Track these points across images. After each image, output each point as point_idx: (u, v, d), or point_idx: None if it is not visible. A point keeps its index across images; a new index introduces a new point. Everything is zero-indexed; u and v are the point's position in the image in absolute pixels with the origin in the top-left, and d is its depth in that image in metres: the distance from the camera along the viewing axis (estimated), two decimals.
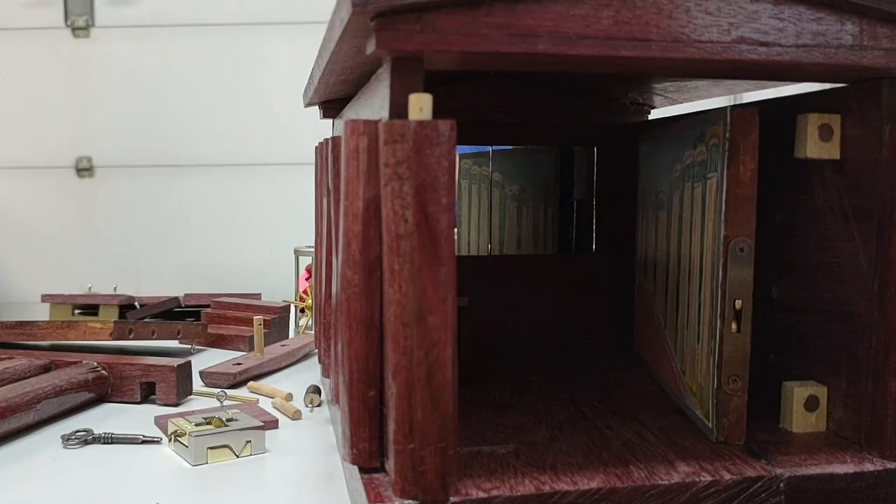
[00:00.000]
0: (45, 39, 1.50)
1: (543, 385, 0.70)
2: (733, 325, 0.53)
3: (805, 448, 0.53)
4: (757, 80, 0.68)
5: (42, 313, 1.22)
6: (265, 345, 1.00)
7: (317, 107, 0.88)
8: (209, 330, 1.06)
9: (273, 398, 0.81)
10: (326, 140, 0.66)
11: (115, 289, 1.40)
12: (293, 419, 0.75)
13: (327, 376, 0.68)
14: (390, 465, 0.45)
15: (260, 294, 1.29)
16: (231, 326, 1.11)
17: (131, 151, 1.54)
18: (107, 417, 0.76)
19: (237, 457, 0.65)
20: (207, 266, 1.55)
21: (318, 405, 0.79)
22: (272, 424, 0.72)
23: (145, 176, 1.55)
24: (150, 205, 1.55)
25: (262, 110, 1.53)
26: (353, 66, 0.57)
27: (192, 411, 0.74)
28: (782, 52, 0.47)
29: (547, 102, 0.87)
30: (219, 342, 1.06)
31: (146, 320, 1.03)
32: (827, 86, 0.56)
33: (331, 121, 0.90)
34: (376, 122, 0.44)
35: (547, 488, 0.46)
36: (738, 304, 0.53)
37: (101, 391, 0.80)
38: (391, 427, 0.44)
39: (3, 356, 0.85)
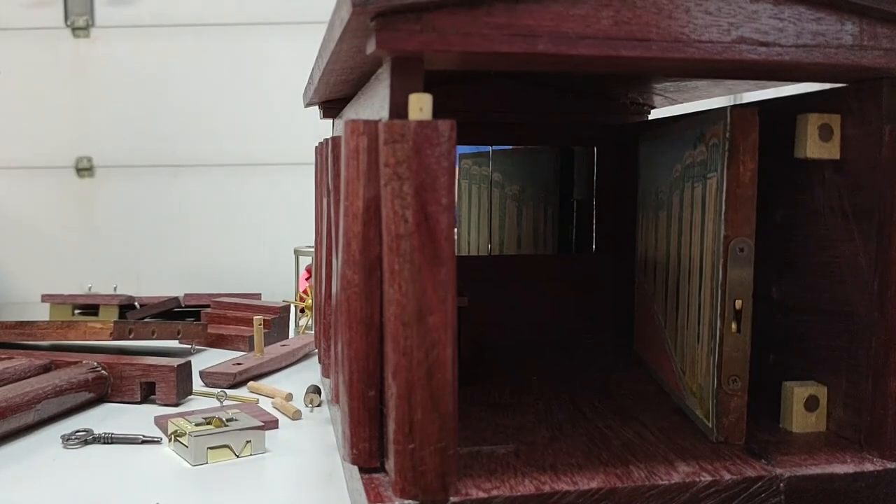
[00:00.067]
0: (45, 39, 1.50)
1: (543, 385, 0.70)
2: (733, 325, 0.53)
3: (805, 448, 0.53)
4: (757, 80, 0.68)
5: (42, 313, 1.22)
6: (265, 345, 1.00)
7: (317, 107, 0.88)
8: (209, 330, 1.06)
9: (273, 398, 0.81)
10: (326, 140, 0.66)
11: (115, 289, 1.40)
12: (293, 419, 0.75)
13: (327, 376, 0.68)
14: (390, 465, 0.45)
15: (260, 294, 1.29)
16: (231, 326, 1.11)
17: (131, 151, 1.54)
18: (107, 417, 0.76)
19: (237, 457, 0.65)
20: (207, 266, 1.55)
21: (318, 405, 0.79)
22: (272, 424, 0.72)
23: (145, 176, 1.55)
24: (150, 205, 1.55)
25: (262, 110, 1.53)
26: (353, 66, 0.57)
27: (192, 411, 0.74)
28: (782, 52, 0.47)
29: (547, 102, 0.87)
30: (219, 342, 1.06)
31: (146, 320, 1.03)
32: (827, 86, 0.56)
33: (331, 121, 0.90)
34: (376, 122, 0.44)
35: (547, 488, 0.46)
36: (738, 304, 0.53)
37: (101, 391, 0.80)
38: (391, 427, 0.44)
39: (3, 356, 0.85)
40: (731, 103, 0.71)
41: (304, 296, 1.19)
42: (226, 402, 0.74)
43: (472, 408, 0.63)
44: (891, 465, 0.50)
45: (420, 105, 0.43)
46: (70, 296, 1.25)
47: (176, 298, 1.23)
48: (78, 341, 0.91)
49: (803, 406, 0.56)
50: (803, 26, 0.47)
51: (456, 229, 0.96)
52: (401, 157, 0.42)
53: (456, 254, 0.45)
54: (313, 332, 1.06)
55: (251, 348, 1.01)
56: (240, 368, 0.89)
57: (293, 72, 1.27)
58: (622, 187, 0.88)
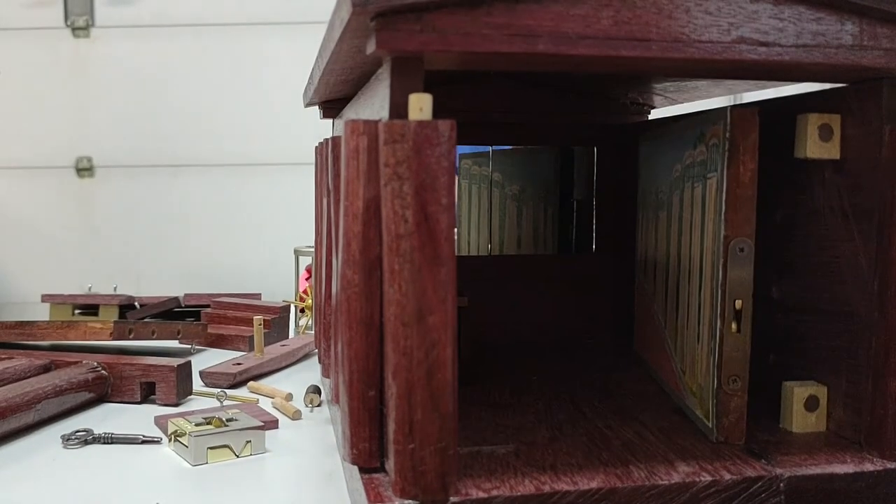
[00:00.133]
0: (45, 39, 1.50)
1: (543, 385, 0.70)
2: (733, 325, 0.53)
3: (805, 448, 0.53)
4: (757, 80, 0.68)
5: (42, 313, 1.22)
6: (265, 345, 1.00)
7: (317, 107, 0.88)
8: (209, 330, 1.06)
9: (273, 398, 0.81)
10: (326, 140, 0.66)
11: (115, 289, 1.40)
12: (293, 419, 0.75)
13: (327, 376, 0.68)
14: (390, 465, 0.45)
15: (260, 294, 1.29)
16: (231, 326, 1.11)
17: (131, 151, 1.54)
18: (107, 417, 0.76)
19: (237, 457, 0.65)
20: (207, 266, 1.55)
21: (318, 405, 0.79)
22: (272, 424, 0.72)
23: (145, 176, 1.55)
24: (150, 205, 1.55)
25: (262, 110, 1.53)
26: (353, 66, 0.57)
27: (192, 411, 0.74)
28: (782, 52, 0.47)
29: (547, 102, 0.87)
30: (219, 342, 1.06)
31: (146, 320, 1.03)
32: (827, 86, 0.56)
33: (331, 121, 0.90)
34: (376, 122, 0.44)
35: (547, 488, 0.46)
36: (738, 304, 0.53)
37: (101, 391, 0.80)
38: (391, 427, 0.44)
39: (3, 356, 0.85)
40: (731, 103, 0.71)
41: (304, 296, 1.19)
42: (226, 402, 0.74)
43: (472, 408, 0.63)
44: (891, 465, 0.50)
45: (420, 105, 0.43)
46: (70, 296, 1.25)
47: (176, 298, 1.23)
48: (78, 341, 0.91)
49: (803, 406, 0.56)
50: (803, 26, 0.47)
51: (456, 229, 0.96)
52: (401, 157, 0.42)
53: (456, 254, 0.45)
54: (313, 332, 1.06)
55: (251, 348, 1.01)
56: (240, 368, 0.89)
57: (293, 72, 1.27)
58: (622, 187, 0.88)
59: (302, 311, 1.21)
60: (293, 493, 0.59)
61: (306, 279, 1.22)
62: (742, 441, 0.54)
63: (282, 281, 1.40)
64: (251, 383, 0.86)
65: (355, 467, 0.49)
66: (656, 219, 0.70)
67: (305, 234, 1.23)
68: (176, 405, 0.80)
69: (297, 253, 1.23)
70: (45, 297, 1.24)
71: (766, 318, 0.62)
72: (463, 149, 1.01)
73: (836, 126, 0.54)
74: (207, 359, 0.97)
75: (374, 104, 0.52)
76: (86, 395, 0.78)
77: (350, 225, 0.45)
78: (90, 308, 1.22)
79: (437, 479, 0.44)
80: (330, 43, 0.52)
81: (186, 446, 0.64)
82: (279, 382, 0.89)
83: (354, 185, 0.45)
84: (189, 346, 1.05)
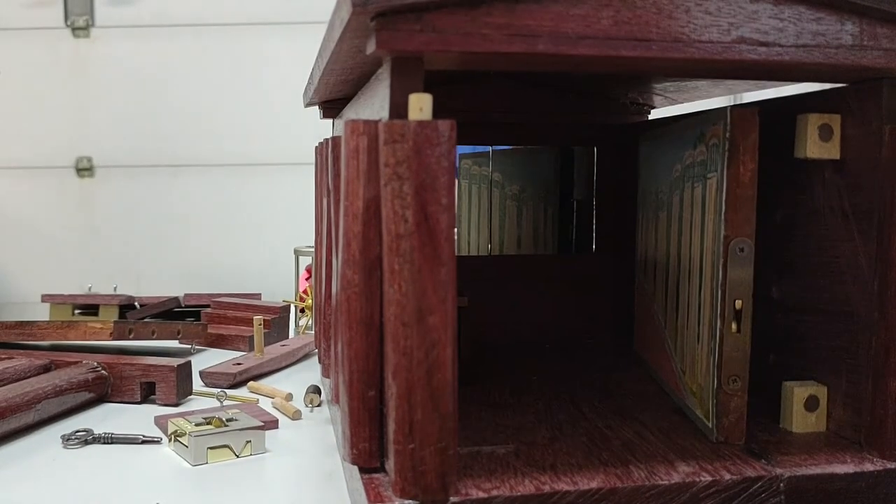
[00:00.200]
0: (45, 39, 1.50)
1: (543, 385, 0.70)
2: (733, 325, 0.53)
3: (805, 448, 0.53)
4: (757, 80, 0.68)
5: (42, 313, 1.22)
6: (265, 345, 1.00)
7: (317, 107, 0.88)
8: (209, 330, 1.06)
9: (273, 398, 0.81)
10: (326, 140, 0.66)
11: (115, 289, 1.40)
12: (293, 419, 0.75)
13: (327, 376, 0.68)
14: (390, 465, 0.45)
15: (260, 294, 1.29)
16: (231, 326, 1.11)
17: (131, 151, 1.54)
18: (107, 417, 0.76)
19: (237, 457, 0.65)
20: (207, 266, 1.55)
21: (318, 405, 0.79)
22: (272, 424, 0.72)
23: (145, 176, 1.55)
24: (150, 205, 1.55)
25: (262, 110, 1.53)
26: (353, 66, 0.57)
27: (192, 411, 0.74)
28: (782, 52, 0.47)
29: (547, 102, 0.87)
30: (219, 342, 1.06)
31: (146, 320, 1.03)
32: (827, 86, 0.56)
33: (331, 121, 0.90)
34: (376, 122, 0.44)
35: (547, 488, 0.46)
36: (738, 304, 0.53)
37: (101, 391, 0.80)
38: (391, 427, 0.44)
39: (3, 356, 0.85)
40: (731, 103, 0.71)
41: (304, 296, 1.19)
42: (226, 402, 0.74)
43: (472, 408, 0.63)
44: (891, 465, 0.50)
45: (420, 105, 0.43)
46: (70, 296, 1.25)
47: (176, 298, 1.23)
48: (78, 341, 0.91)
49: (803, 406, 0.56)
50: (803, 26, 0.47)
51: (456, 229, 0.96)
52: (401, 157, 0.42)
53: (456, 254, 0.45)
54: (313, 332, 1.06)
55: (251, 348, 1.01)
56: (240, 368, 0.89)
57: (293, 72, 1.27)
58: (622, 187, 0.88)
59: (302, 311, 1.21)
60: (293, 493, 0.59)
61: (306, 279, 1.22)
62: (742, 441, 0.54)
63: (282, 281, 1.40)
64: (251, 383, 0.86)
65: (355, 467, 0.49)
66: (656, 219, 0.70)
67: (305, 234, 1.23)
68: (176, 405, 0.80)
69: (297, 253, 1.23)
70: (45, 297, 1.24)
71: (766, 318, 0.62)
72: (463, 149, 1.01)
73: (836, 126, 0.54)
74: (207, 359, 0.97)
75: (374, 104, 0.52)
76: (86, 395, 0.78)
77: (350, 225, 0.45)
78: (90, 308, 1.22)
79: (437, 479, 0.44)
80: (330, 43, 0.52)
81: (186, 446, 0.64)
82: (279, 382, 0.89)
83: (354, 185, 0.45)
84: (189, 346, 1.05)
